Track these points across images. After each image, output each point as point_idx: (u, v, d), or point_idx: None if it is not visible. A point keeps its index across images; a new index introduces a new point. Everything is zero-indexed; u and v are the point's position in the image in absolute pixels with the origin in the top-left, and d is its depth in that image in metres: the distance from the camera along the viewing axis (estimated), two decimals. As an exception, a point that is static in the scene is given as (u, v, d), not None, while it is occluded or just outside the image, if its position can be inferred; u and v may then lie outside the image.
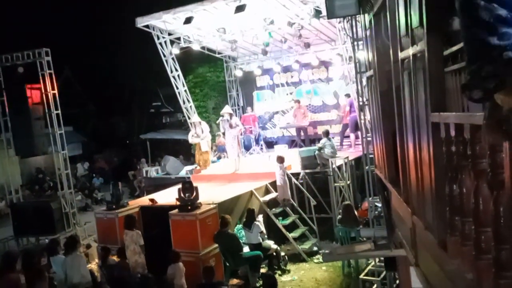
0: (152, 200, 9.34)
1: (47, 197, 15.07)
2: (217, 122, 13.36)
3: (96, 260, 9.37)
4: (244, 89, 16.60)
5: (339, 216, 8.94)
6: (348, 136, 13.42)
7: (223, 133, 12.61)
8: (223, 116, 12.00)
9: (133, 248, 7.82)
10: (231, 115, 11.80)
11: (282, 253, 9.12)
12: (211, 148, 14.97)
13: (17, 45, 11.92)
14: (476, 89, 1.15)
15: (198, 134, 12.48)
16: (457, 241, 2.31)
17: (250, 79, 16.21)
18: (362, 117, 8.84)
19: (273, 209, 9.74)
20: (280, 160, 9.95)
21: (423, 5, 2.57)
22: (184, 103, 14.22)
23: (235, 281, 8.17)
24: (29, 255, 7.26)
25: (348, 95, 13.02)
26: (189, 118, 13.93)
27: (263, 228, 8.71)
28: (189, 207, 8.10)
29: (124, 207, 9.07)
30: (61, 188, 11.17)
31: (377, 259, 7.74)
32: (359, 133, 12.21)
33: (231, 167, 11.77)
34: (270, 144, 15.52)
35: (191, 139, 12.84)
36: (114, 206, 9.01)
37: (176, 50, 13.37)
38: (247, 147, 14.96)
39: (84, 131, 26.07)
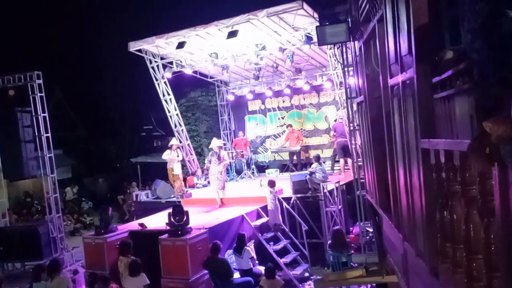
0: (141, 224, 9.20)
1: (34, 221, 14.81)
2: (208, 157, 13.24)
3: (83, 287, 9.15)
4: (236, 113, 16.66)
5: (329, 241, 8.87)
6: (339, 161, 13.43)
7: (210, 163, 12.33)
8: (212, 149, 11.70)
9: (128, 275, 7.63)
10: (219, 148, 11.28)
11: (273, 279, 8.98)
12: (202, 171, 14.89)
13: (8, 68, 11.91)
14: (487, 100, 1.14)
15: (173, 156, 12.43)
16: (448, 268, 2.29)
17: (241, 103, 16.31)
18: (353, 141, 8.88)
19: (264, 234, 9.66)
20: (271, 184, 9.92)
21: (412, 33, 2.62)
22: (175, 126, 14.23)
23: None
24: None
25: (336, 121, 13.12)
26: (180, 141, 13.89)
27: (253, 254, 8.61)
28: (179, 232, 7.99)
29: (113, 231, 8.93)
30: (49, 212, 10.99)
31: (369, 286, 7.65)
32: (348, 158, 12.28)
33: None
34: (261, 168, 15.51)
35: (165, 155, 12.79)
36: (102, 231, 8.87)
37: (168, 74, 13.45)
38: (239, 171, 14.93)
39: (75, 154, 25.81)
